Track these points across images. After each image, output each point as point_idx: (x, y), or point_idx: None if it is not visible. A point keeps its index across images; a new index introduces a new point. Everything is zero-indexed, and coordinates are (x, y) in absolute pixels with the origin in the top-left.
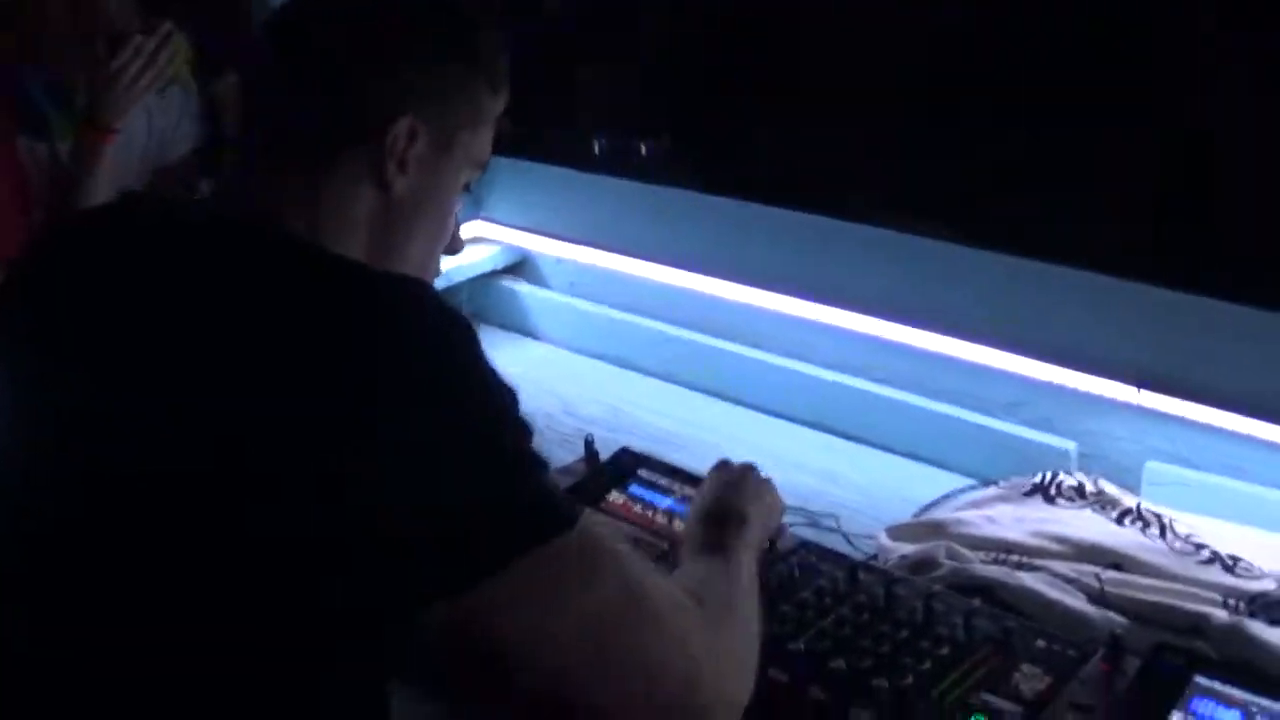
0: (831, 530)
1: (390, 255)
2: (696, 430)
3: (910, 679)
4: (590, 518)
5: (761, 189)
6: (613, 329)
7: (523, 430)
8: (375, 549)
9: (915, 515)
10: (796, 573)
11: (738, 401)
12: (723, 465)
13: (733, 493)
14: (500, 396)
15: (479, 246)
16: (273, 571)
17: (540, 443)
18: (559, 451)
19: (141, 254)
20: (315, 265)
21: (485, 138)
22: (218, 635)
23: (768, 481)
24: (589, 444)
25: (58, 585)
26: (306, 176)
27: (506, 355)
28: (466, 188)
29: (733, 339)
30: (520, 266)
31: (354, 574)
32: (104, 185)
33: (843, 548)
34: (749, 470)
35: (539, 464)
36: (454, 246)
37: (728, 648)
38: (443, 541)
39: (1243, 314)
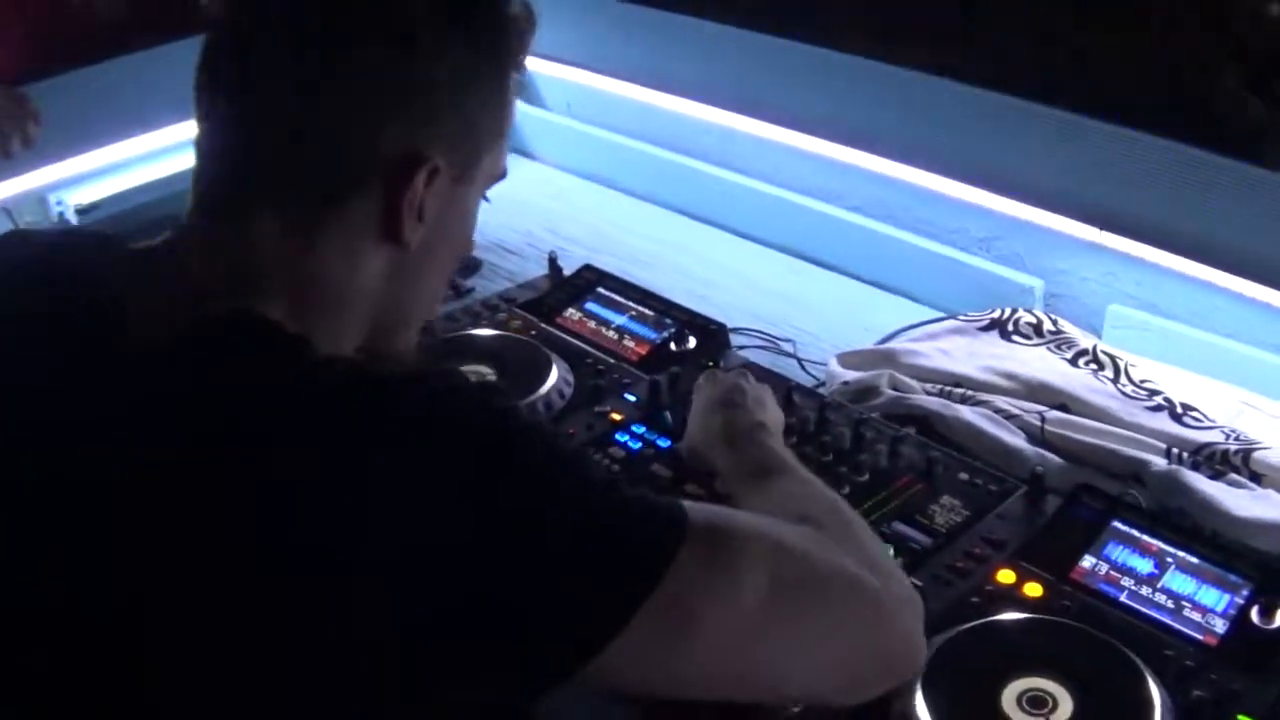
0: (788, 356)
1: (397, 310)
2: (670, 250)
3: None
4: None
5: (747, 14)
6: (605, 150)
7: (585, 481)
8: (493, 651)
9: (876, 344)
10: None
11: (715, 224)
12: (711, 378)
13: (741, 408)
14: (550, 468)
15: None
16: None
17: (518, 260)
18: (532, 268)
19: (83, 360)
20: (303, 380)
21: (508, 144)
22: None
23: (765, 386)
24: (552, 260)
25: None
26: (294, 240)
27: None
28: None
29: (718, 163)
30: (518, 86)
31: (475, 676)
32: None
33: (795, 372)
34: (741, 379)
35: (614, 504)
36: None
37: (861, 545)
38: (548, 622)
39: (1220, 165)
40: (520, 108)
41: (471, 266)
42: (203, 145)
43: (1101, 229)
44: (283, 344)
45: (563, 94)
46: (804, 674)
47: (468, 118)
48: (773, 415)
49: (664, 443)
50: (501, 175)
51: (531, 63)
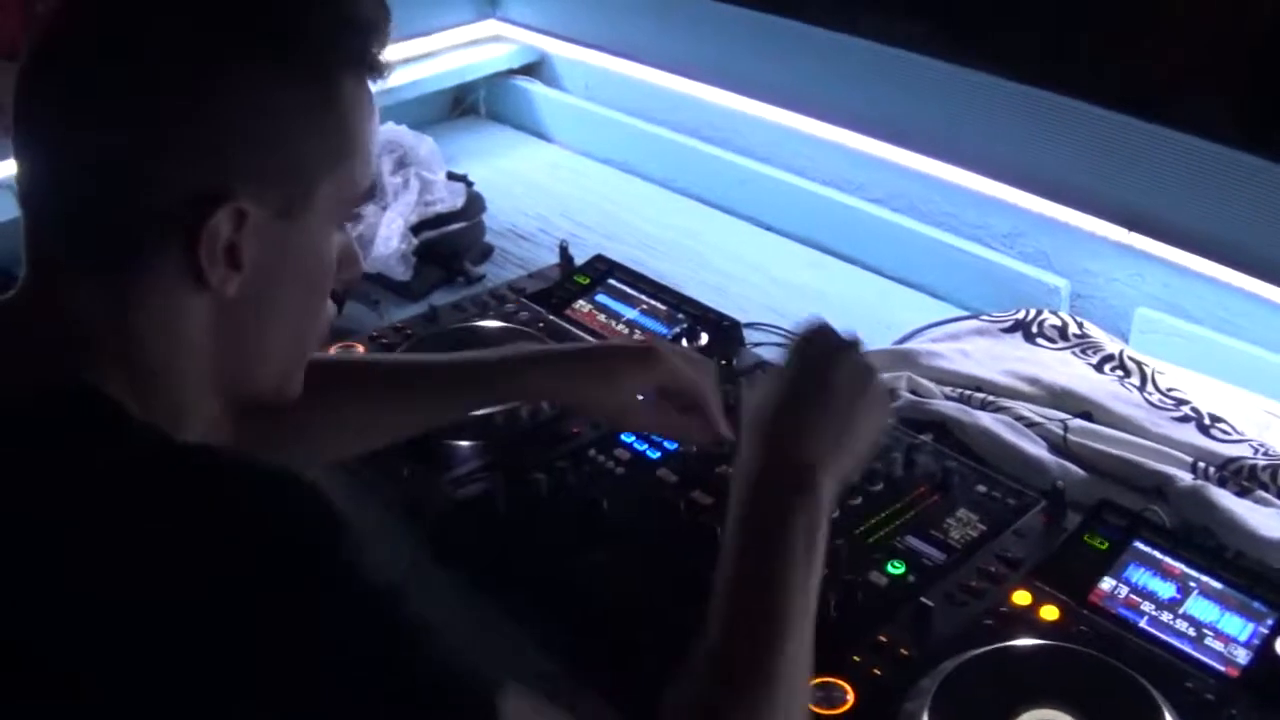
0: None
1: (245, 365)
2: (687, 238)
3: (835, 514)
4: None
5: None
6: (623, 134)
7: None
8: None
9: (895, 343)
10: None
11: (734, 212)
12: (807, 341)
13: (809, 411)
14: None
15: (495, 45)
16: None
17: (531, 247)
18: (546, 255)
19: None
20: (137, 468)
21: (364, 160)
22: None
23: (868, 371)
24: (564, 249)
25: None
26: (104, 298)
27: (517, 157)
28: (351, 218)
29: (738, 150)
30: (536, 67)
31: None
32: None
33: None
34: (843, 352)
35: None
36: (350, 279)
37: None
38: None
39: (1254, 166)
40: (537, 89)
41: (483, 253)
42: (19, 187)
43: (1129, 229)
44: (105, 424)
45: (581, 76)
46: None
47: (284, 148)
48: (847, 441)
49: (671, 445)
50: (367, 194)
51: (548, 43)
